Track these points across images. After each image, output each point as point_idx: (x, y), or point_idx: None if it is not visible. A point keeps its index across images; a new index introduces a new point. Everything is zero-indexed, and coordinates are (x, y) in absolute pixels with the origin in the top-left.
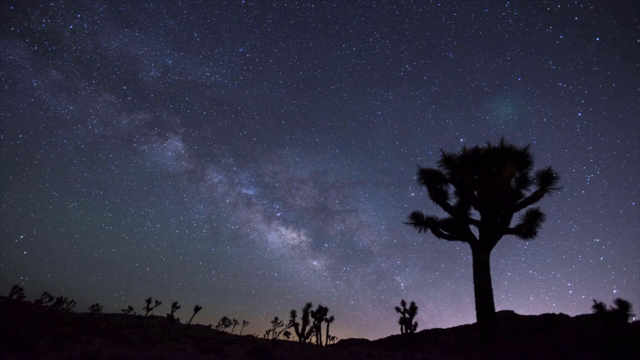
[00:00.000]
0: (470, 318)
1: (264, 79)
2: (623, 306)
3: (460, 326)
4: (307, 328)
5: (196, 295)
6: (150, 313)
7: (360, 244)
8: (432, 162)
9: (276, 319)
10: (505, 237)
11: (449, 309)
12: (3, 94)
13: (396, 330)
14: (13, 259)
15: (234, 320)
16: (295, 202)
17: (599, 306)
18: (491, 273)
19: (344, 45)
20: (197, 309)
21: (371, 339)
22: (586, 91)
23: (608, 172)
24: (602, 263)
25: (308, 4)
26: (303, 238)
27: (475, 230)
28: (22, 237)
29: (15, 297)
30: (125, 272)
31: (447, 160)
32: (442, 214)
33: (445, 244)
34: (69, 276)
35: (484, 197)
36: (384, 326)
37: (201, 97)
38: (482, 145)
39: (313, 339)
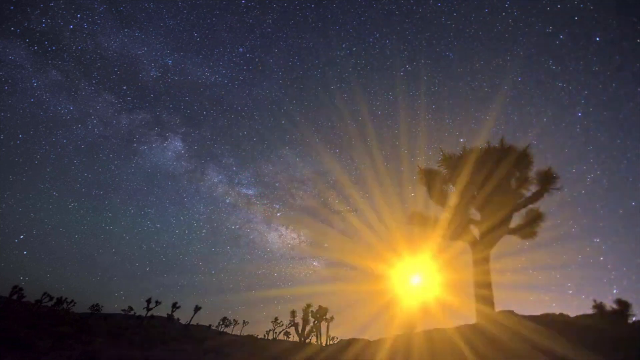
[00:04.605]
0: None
1: (264, 79)
2: (623, 306)
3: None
4: (307, 328)
5: (196, 295)
6: (150, 313)
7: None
8: (432, 162)
9: (276, 319)
10: (505, 237)
11: None
12: (3, 94)
13: None
14: (13, 259)
15: (234, 320)
16: (295, 202)
17: (599, 306)
18: (491, 273)
19: (344, 45)
20: (197, 309)
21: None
22: (586, 91)
23: (608, 172)
24: (602, 263)
25: (308, 4)
26: (303, 238)
27: (475, 230)
28: (22, 237)
29: (15, 297)
30: (125, 272)
31: (447, 160)
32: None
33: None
34: (69, 276)
35: (484, 197)
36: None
37: (201, 97)
38: (482, 145)
39: (313, 339)
